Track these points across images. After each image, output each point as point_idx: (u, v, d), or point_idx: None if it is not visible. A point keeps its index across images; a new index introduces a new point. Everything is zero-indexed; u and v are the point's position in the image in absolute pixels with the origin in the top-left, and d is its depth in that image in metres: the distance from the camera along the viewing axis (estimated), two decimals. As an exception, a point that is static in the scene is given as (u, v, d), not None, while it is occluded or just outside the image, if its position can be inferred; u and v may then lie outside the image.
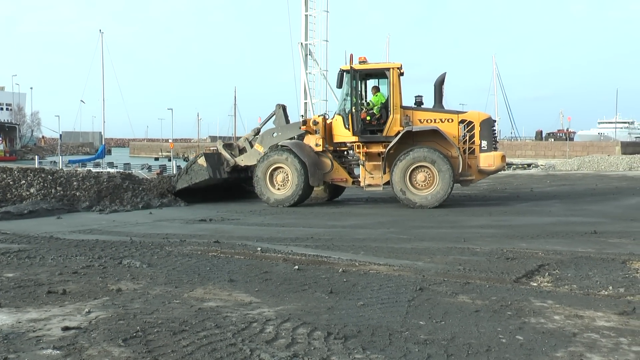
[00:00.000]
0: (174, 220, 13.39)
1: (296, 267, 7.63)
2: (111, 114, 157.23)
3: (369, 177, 16.11)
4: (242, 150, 17.97)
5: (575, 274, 7.20)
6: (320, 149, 16.48)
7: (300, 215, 14.31)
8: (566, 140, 72.97)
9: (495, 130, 16.46)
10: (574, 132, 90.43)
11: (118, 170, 31.76)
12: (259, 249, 9.09)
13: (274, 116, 17.86)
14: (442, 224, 12.38)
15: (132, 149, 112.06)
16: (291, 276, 7.14)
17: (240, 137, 18.95)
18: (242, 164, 17.72)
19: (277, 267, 7.68)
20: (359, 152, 16.09)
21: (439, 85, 16.42)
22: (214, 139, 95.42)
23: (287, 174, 16.30)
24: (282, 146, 16.92)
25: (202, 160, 17.36)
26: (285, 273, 7.32)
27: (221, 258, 8.34)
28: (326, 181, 16.79)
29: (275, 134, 17.49)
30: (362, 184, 16.26)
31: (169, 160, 59.31)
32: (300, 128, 17.01)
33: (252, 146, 17.79)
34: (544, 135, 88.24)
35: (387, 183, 15.79)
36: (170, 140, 70.01)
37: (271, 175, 16.48)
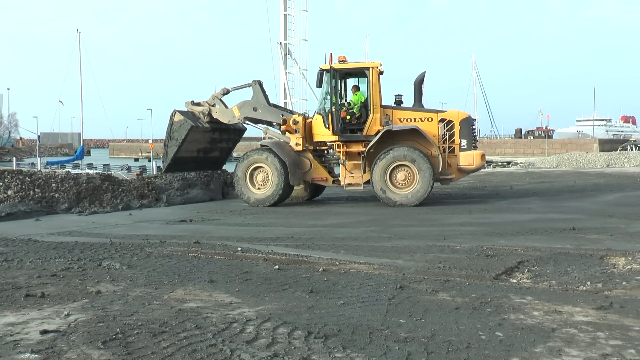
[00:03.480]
0: (154, 221, 13.31)
1: (276, 266, 7.62)
2: (90, 115, 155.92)
3: (349, 176, 16.14)
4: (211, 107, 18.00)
5: (554, 270, 7.28)
6: (300, 148, 16.46)
7: (280, 214, 14.30)
8: (545, 138, 73.60)
9: (474, 128, 16.56)
10: (553, 130, 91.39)
11: (97, 171, 31.48)
12: (240, 249, 9.07)
13: (252, 92, 17.68)
14: (423, 222, 12.43)
15: (111, 149, 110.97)
16: (271, 276, 7.13)
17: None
18: (215, 116, 17.76)
19: (257, 267, 7.67)
20: (339, 152, 16.10)
21: (419, 84, 16.48)
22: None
23: (267, 174, 16.27)
24: (262, 145, 16.88)
25: (177, 116, 17.49)
26: (266, 273, 7.31)
27: (201, 259, 8.31)
28: (306, 180, 16.78)
29: (256, 110, 17.37)
30: (342, 183, 16.28)
31: (149, 161, 58.77)
32: (280, 127, 16.96)
33: (225, 105, 17.77)
34: (523, 133, 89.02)
35: (368, 182, 15.82)
36: (150, 141, 69.37)
37: (251, 174, 16.45)
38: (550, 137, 78.41)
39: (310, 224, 12.46)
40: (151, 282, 6.87)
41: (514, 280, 6.85)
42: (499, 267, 7.49)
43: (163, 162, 18.37)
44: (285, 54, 30.27)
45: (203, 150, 18.57)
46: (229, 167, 21.15)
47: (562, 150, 58.07)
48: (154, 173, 33.32)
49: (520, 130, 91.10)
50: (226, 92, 17.90)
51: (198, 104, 18.04)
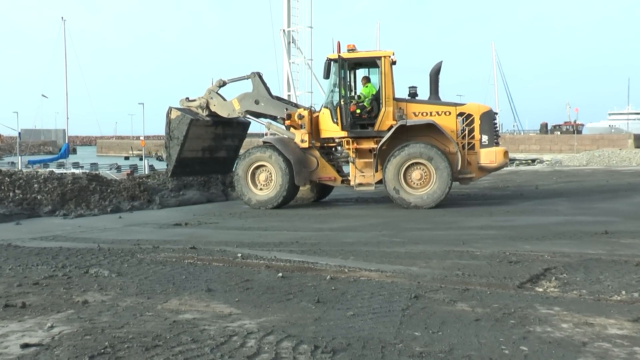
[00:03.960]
0: (146, 224, 13.33)
1: (280, 274, 7.62)
2: (76, 110, 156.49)
3: (360, 175, 16.14)
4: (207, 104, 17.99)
5: (585, 278, 7.24)
6: (306, 145, 16.47)
7: (284, 217, 14.31)
8: (574, 133, 73.37)
9: (496, 123, 16.49)
10: (582, 125, 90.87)
11: (84, 170, 31.56)
12: (240, 255, 9.07)
13: (252, 85, 17.67)
14: (439, 225, 12.41)
15: (99, 147, 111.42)
16: (274, 284, 7.13)
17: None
18: (214, 109, 17.76)
19: (259, 275, 7.67)
20: (349, 149, 16.10)
21: (435, 75, 16.45)
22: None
23: (270, 173, 16.26)
24: (264, 142, 16.89)
25: (174, 112, 17.47)
26: (268, 281, 7.31)
27: (198, 265, 8.32)
28: (313, 180, 16.79)
29: (258, 103, 17.35)
30: (352, 183, 16.28)
31: (141, 159, 59.03)
32: (285, 112, 16.86)
33: (223, 98, 17.76)
34: (549, 128, 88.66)
35: (380, 182, 15.81)
36: (141, 138, 69.58)
37: (253, 174, 16.44)
38: (579, 132, 78.05)
39: (316, 227, 12.45)
40: (143, 291, 6.88)
41: (540, 289, 6.82)
42: (524, 274, 7.46)
43: (167, 165, 18.36)
44: (289, 43, 30.25)
45: (208, 149, 18.53)
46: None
47: (593, 147, 57.93)
48: (146, 172, 33.44)
49: (546, 125, 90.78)
50: (222, 84, 17.92)
51: (193, 100, 18.08)
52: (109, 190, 16.94)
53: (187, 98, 18.13)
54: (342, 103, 15.86)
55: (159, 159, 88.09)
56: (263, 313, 5.94)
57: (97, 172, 25.98)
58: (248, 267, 8.23)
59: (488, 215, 13.61)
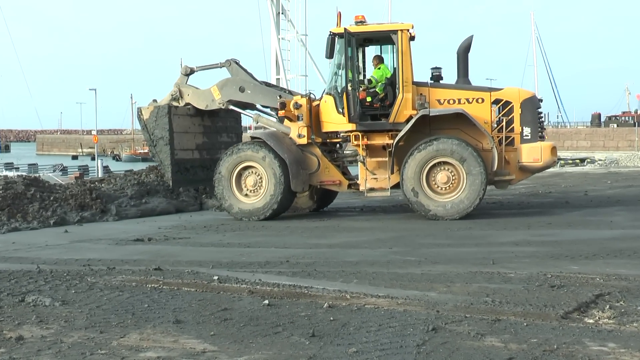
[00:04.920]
0: (99, 240, 13.32)
1: (266, 301, 7.62)
2: (8, 98, 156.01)
3: (372, 178, 15.98)
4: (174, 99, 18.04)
5: (646, 307, 7.27)
6: (304, 141, 16.26)
7: (271, 231, 14.31)
8: (634, 126, 73.42)
9: (541, 113, 16.44)
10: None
11: (19, 173, 31.51)
12: (216, 278, 9.07)
13: (230, 73, 17.65)
14: (464, 240, 12.43)
15: (39, 144, 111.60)
16: (259, 314, 7.13)
17: None
18: (188, 99, 17.75)
19: (240, 303, 7.67)
20: (358, 145, 15.98)
21: (464, 53, 16.41)
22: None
23: (260, 177, 16.09)
24: (252, 138, 16.81)
25: (145, 110, 17.49)
26: (252, 310, 7.32)
27: (164, 291, 8.32)
28: (312, 185, 16.70)
29: (243, 90, 17.25)
30: (361, 188, 16.17)
31: (93, 159, 59.03)
32: (278, 101, 16.74)
33: (196, 88, 17.79)
34: (603, 119, 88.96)
35: (396, 186, 15.72)
36: (93, 132, 69.59)
37: (239, 175, 16.26)
38: (641, 124, 78.26)
39: (311, 243, 12.46)
40: (94, 323, 6.88)
41: (591, 320, 6.84)
42: (570, 302, 7.47)
43: (164, 175, 18.21)
44: (278, 14, 30.31)
45: (204, 147, 18.44)
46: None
47: (658, 143, 57.97)
48: (100, 175, 33.40)
49: (599, 115, 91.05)
50: (190, 72, 17.88)
51: (157, 101, 18.13)
52: (51, 198, 16.89)
53: (155, 100, 18.15)
54: (350, 88, 15.79)
55: (116, 158, 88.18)
56: (245, 350, 5.95)
57: (37, 174, 26.00)
58: (226, 292, 8.23)
59: (525, 228, 13.62)
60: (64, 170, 50.86)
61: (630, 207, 17.13)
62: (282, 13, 30.52)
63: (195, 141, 18.27)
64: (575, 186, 23.06)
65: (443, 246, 11.79)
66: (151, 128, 17.41)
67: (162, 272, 9.58)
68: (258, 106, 17.84)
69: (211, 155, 18.60)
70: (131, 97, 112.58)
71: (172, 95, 17.88)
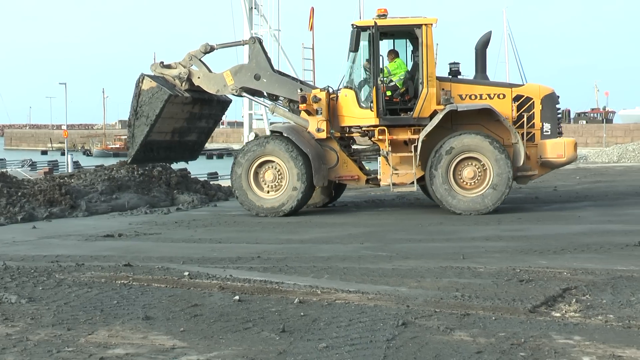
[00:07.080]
0: (69, 236, 13.23)
1: (236, 297, 7.62)
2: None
3: (394, 173, 15.98)
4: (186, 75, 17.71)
5: (613, 300, 7.34)
6: (323, 135, 16.12)
7: (242, 226, 14.30)
8: (603, 122, 74.07)
9: (559, 109, 16.65)
10: (613, 112, 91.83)
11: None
12: (187, 273, 9.04)
13: (250, 53, 17.43)
14: (435, 235, 12.49)
15: (7, 138, 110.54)
16: (230, 310, 7.13)
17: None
18: (198, 82, 17.34)
19: (210, 299, 7.66)
20: (381, 140, 16.00)
21: (482, 48, 16.42)
22: (126, 124, 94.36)
23: (279, 171, 15.91)
24: (272, 132, 16.68)
25: (147, 82, 16.99)
26: (222, 306, 7.31)
27: (134, 287, 8.28)
28: (331, 179, 16.61)
29: (259, 78, 16.99)
30: (383, 183, 16.11)
31: (63, 154, 58.54)
32: (298, 94, 16.52)
33: (209, 69, 17.49)
34: (572, 116, 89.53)
35: (421, 180, 15.79)
36: (63, 127, 69.10)
37: (256, 172, 16.13)
38: (609, 121, 78.96)
39: (283, 238, 12.46)
40: (62, 320, 6.83)
41: (558, 314, 6.90)
42: (538, 296, 7.54)
43: (129, 148, 18.11)
44: (251, 9, 30.20)
45: (179, 131, 18.28)
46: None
47: (626, 140, 58.45)
48: (70, 170, 33.13)
49: (569, 112, 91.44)
50: (209, 49, 17.40)
51: (169, 67, 17.71)
52: (19, 194, 16.74)
53: (162, 63, 17.71)
54: (379, 82, 15.71)
55: (87, 153, 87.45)
56: (215, 346, 5.95)
57: (5, 170, 25.68)
58: (197, 288, 8.21)
59: (495, 224, 13.72)
60: (33, 165, 50.45)
61: (598, 202, 17.29)
62: (254, 8, 30.44)
63: (175, 125, 18.02)
64: (544, 182, 23.18)
65: (414, 241, 11.85)
66: (142, 102, 17.06)
67: (132, 268, 9.54)
68: (265, 94, 17.69)
69: (181, 137, 18.55)
70: (103, 92, 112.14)
71: (184, 68, 17.43)
